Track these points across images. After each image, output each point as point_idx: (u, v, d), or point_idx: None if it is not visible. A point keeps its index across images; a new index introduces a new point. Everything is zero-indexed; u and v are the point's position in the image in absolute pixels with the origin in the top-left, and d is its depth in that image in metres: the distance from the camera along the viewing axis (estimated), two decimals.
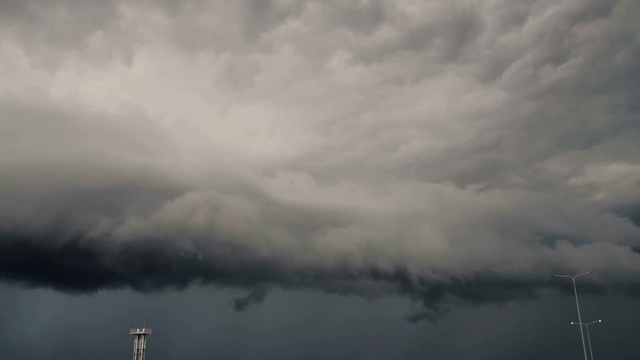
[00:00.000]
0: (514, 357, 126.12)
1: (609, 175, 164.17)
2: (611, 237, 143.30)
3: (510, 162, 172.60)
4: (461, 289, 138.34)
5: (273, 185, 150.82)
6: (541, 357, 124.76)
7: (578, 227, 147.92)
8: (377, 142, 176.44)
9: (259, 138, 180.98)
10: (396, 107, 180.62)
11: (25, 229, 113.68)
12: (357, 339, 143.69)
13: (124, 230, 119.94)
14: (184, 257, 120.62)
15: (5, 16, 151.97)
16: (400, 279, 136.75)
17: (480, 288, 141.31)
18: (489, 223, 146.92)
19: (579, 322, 61.50)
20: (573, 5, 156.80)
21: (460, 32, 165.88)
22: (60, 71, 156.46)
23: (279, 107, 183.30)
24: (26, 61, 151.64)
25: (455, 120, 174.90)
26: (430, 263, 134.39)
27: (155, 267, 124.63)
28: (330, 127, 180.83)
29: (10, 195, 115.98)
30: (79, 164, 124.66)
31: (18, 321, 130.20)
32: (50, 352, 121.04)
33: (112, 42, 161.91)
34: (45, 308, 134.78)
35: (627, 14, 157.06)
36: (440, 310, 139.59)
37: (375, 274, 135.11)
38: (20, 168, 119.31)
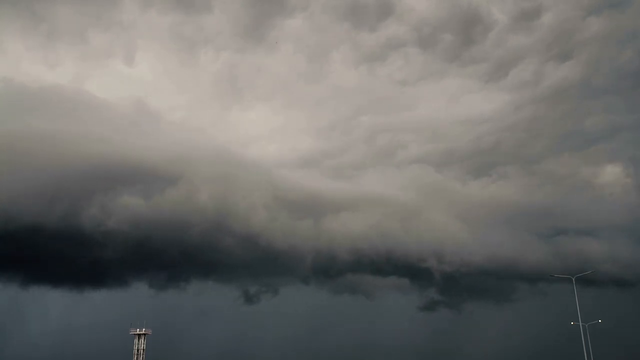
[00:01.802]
0: (517, 355, 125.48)
1: (606, 176, 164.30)
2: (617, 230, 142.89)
3: (509, 163, 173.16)
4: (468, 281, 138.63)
5: (275, 179, 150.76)
6: (551, 353, 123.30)
7: (584, 219, 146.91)
8: (377, 145, 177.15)
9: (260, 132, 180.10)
10: (396, 109, 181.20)
11: (22, 215, 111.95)
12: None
13: (123, 220, 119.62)
14: (187, 247, 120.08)
15: (7, 12, 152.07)
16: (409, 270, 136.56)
17: (489, 281, 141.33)
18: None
19: (579, 322, 61.44)
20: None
21: (468, 29, 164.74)
22: (60, 67, 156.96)
23: (279, 106, 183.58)
24: (27, 57, 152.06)
25: (455, 123, 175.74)
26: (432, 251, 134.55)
27: (155, 257, 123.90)
28: (331, 129, 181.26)
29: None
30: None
31: (17, 321, 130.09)
32: (49, 352, 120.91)
33: (114, 38, 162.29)
34: (44, 308, 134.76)
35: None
36: (454, 301, 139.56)
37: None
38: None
